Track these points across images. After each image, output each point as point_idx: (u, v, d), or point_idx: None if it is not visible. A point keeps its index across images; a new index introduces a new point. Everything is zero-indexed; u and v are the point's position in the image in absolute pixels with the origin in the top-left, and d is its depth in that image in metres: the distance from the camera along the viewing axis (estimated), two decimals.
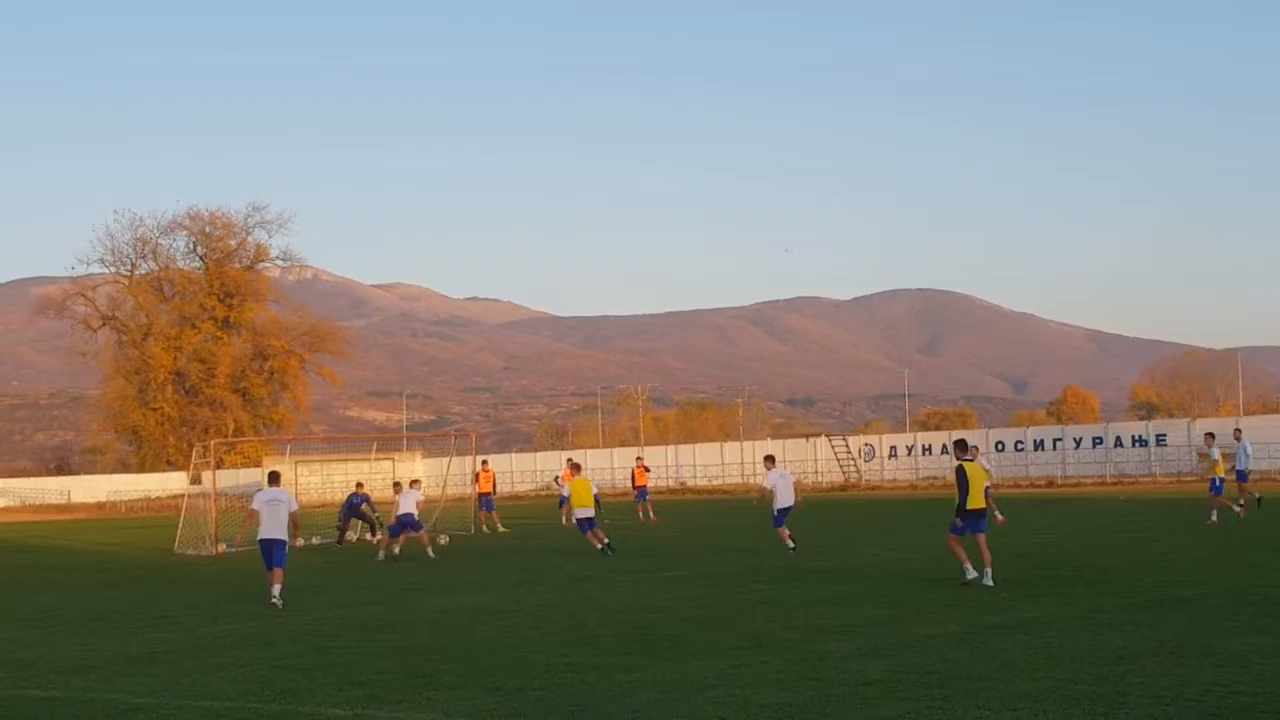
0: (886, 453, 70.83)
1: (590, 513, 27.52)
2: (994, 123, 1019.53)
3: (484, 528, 37.68)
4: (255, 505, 20.61)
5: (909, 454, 69.74)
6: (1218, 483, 29.24)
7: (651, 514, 40.17)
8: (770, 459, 27.05)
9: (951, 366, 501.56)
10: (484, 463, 40.07)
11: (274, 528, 20.27)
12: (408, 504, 29.42)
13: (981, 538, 18.56)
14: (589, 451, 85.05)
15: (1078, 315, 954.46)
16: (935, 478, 63.72)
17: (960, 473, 18.72)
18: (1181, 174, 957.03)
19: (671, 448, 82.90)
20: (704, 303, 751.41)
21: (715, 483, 71.36)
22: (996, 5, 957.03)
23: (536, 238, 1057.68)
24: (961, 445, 20.01)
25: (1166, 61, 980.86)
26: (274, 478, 21.49)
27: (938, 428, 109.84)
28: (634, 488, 41.81)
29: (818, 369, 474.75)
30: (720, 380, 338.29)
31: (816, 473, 68.83)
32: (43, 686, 13.09)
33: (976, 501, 18.60)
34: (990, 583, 17.92)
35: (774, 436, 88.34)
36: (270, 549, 20.22)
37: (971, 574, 18.39)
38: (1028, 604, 16.26)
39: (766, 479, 25.92)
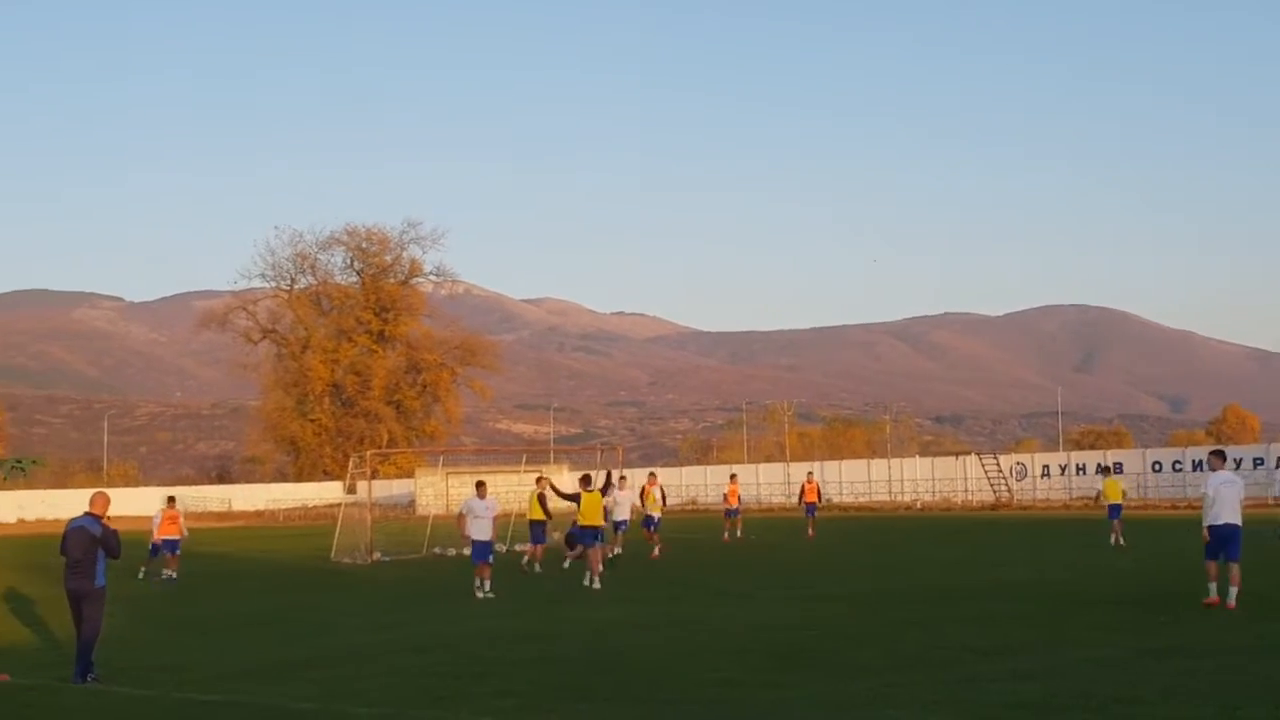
0: (1039, 472, 69.34)
1: (596, 528, 26.09)
2: (1153, 135, 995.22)
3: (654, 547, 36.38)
4: (465, 511, 23.62)
5: (1062, 473, 68.17)
6: None
7: (741, 529, 39.58)
8: (1220, 455, 19.48)
9: (1106, 384, 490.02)
10: (651, 474, 39.31)
11: (484, 530, 23.13)
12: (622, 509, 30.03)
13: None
14: (734, 466, 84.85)
15: (1239, 333, 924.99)
16: (1089, 497, 62.25)
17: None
18: None
19: (817, 464, 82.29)
20: (851, 318, 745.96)
21: (862, 499, 70.65)
22: (1171, 11, 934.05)
23: (683, 253, 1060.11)
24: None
25: None
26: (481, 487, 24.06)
27: (1092, 446, 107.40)
28: (804, 502, 41.31)
29: (967, 386, 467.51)
30: (867, 396, 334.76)
31: (967, 491, 67.75)
32: (203, 690, 13.47)
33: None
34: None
35: (922, 454, 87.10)
36: (481, 549, 23.03)
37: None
38: (1186, 629, 15.84)
39: (1207, 482, 18.57)
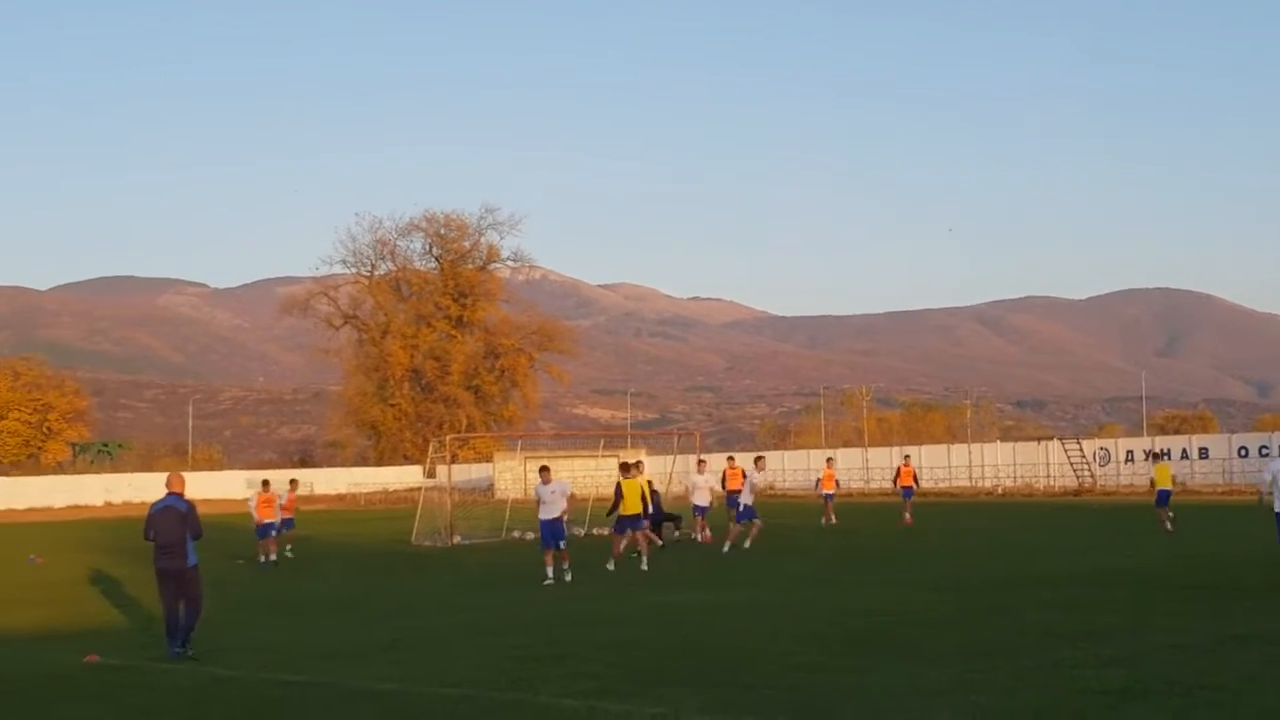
0: (1122, 457, 68.37)
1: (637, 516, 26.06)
2: (1240, 117, 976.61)
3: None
4: (538, 497, 23.41)
5: (1146, 459, 67.17)
6: None
7: (834, 518, 39.13)
8: None
9: (1191, 369, 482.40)
10: (730, 459, 38.81)
11: (550, 514, 22.88)
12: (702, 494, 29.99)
13: None
14: (810, 452, 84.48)
15: None
16: (1174, 483, 61.37)
17: None
18: None
19: (896, 449, 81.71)
20: (930, 302, 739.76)
21: (941, 485, 70.05)
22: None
23: (760, 238, 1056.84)
24: None
25: None
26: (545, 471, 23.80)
27: (1176, 431, 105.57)
28: (900, 486, 40.73)
29: (1049, 370, 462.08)
30: (946, 381, 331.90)
31: (1049, 477, 66.97)
32: (290, 670, 13.65)
33: None
34: None
35: (1003, 439, 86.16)
36: (548, 533, 22.77)
37: None
38: (1271, 615, 15.57)
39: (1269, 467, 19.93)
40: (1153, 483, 34.44)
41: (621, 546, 25.80)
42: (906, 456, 45.20)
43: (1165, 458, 42.85)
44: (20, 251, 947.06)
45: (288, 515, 33.15)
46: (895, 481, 41.09)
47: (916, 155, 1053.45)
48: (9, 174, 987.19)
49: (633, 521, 25.47)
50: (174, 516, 15.05)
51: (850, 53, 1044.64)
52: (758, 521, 28.73)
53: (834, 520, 38.45)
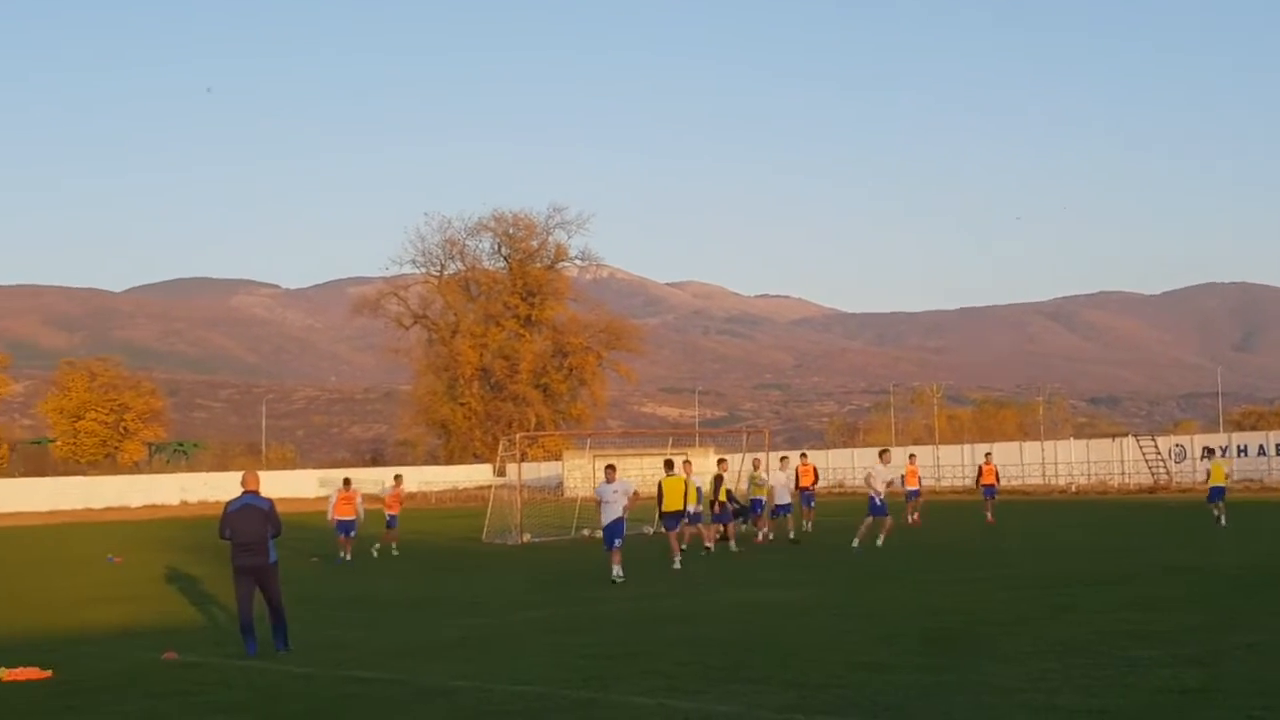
0: (1199, 454, 67.42)
1: (677, 513, 26.29)
2: None
3: (805, 524, 35.17)
4: (600, 496, 23.30)
5: (1223, 455, 66.20)
6: None
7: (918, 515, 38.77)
8: None
9: (1269, 364, 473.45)
10: (803, 456, 38.60)
11: (614, 514, 22.73)
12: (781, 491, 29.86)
13: None
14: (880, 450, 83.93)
15: None
16: (1251, 480, 60.40)
17: None
18: None
19: (968, 447, 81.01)
20: (1001, 298, 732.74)
21: (1014, 483, 69.39)
22: None
23: (828, 235, 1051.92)
24: None
25: None
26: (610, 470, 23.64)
27: (1253, 428, 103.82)
28: (981, 484, 40.13)
29: (1123, 366, 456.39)
30: (1018, 378, 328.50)
31: (1123, 474, 66.18)
32: (363, 668, 13.76)
33: None
34: None
35: (1077, 436, 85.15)
36: (611, 533, 22.64)
37: None
38: None
39: None
40: (1208, 477, 34.26)
41: (678, 543, 25.83)
42: (988, 454, 44.01)
43: (1219, 455, 42.24)
44: (95, 254, 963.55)
45: (393, 511, 33.29)
46: (977, 480, 40.48)
47: (988, 151, 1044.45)
48: (84, 178, 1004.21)
49: (673, 518, 25.74)
50: (255, 514, 15.23)
51: (917, 51, 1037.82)
52: (888, 519, 28.07)
53: (917, 519, 37.52)
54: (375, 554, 32.24)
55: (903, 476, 39.45)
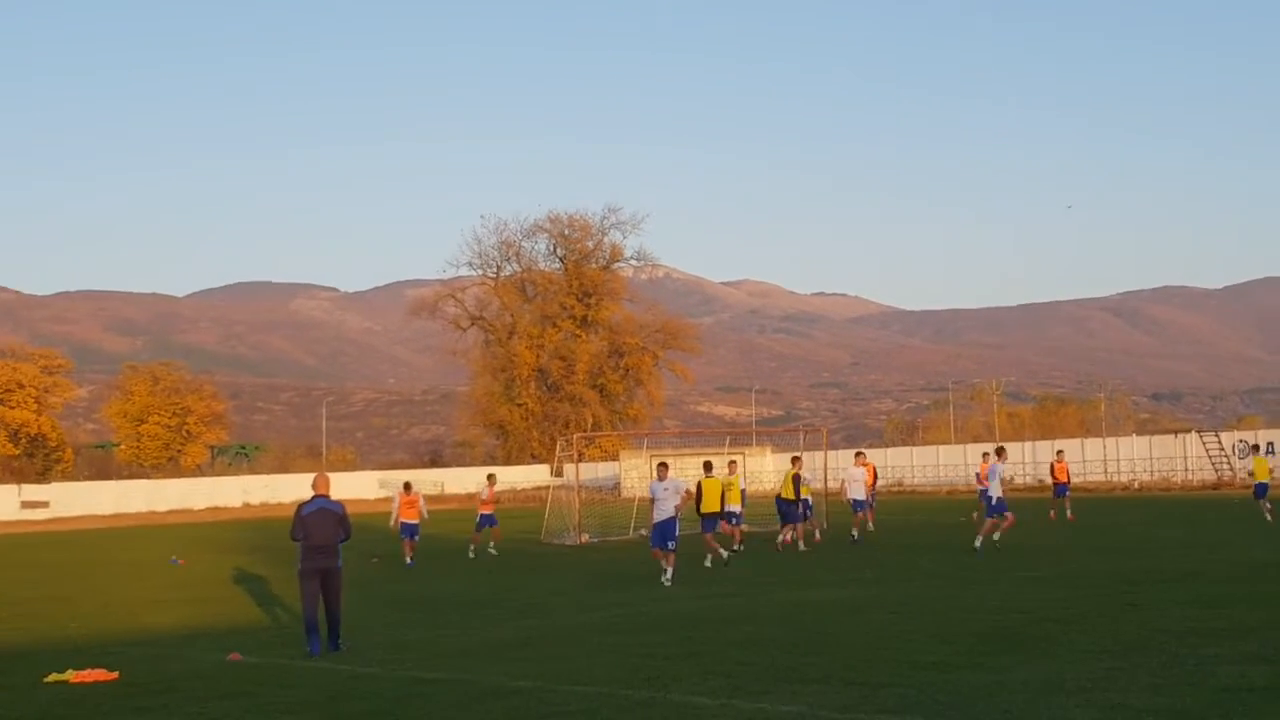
0: (1264, 449, 66.50)
1: (715, 514, 26.32)
2: None
3: (868, 524, 34.43)
4: (652, 494, 22.83)
5: (1245, 453, 65.21)
6: None
7: (1069, 512, 37.53)
8: None
9: None
10: (858, 455, 37.93)
11: (665, 513, 22.33)
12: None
13: None
14: (940, 448, 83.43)
15: None
16: None
17: None
18: None
19: (1029, 444, 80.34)
20: (1061, 294, 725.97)
21: (1076, 480, 68.68)
22: None
23: (884, 231, 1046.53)
24: None
25: None
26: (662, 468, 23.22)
27: None
28: (1054, 483, 39.52)
29: (1185, 361, 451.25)
30: (1079, 374, 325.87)
31: (1186, 470, 65.36)
32: (426, 668, 13.86)
33: None
34: None
35: (1139, 432, 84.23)
36: (661, 533, 22.26)
37: None
38: None
39: None
40: (1251, 474, 33.78)
41: (715, 543, 25.87)
42: (1059, 452, 43.03)
43: (1262, 451, 41.49)
44: (158, 259, 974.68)
45: (488, 511, 33.40)
46: (1052, 477, 39.61)
47: (1046, 145, 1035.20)
48: (146, 186, 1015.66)
49: (710, 520, 25.86)
50: (329, 518, 15.41)
51: (976, 47, 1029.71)
52: (1009, 515, 27.36)
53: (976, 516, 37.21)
54: (493, 552, 32.29)
55: (978, 475, 38.95)
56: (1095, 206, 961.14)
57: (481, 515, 33.38)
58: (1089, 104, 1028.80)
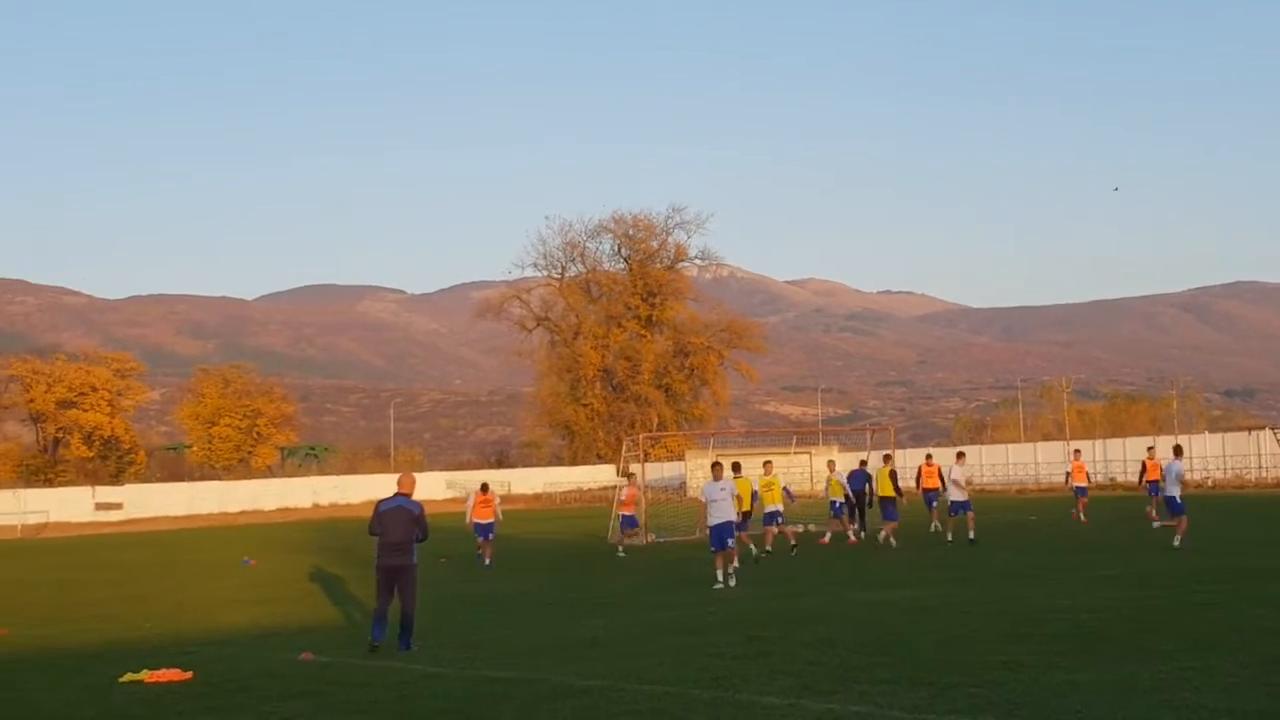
0: None
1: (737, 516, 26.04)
2: None
3: (938, 524, 33.82)
4: (705, 496, 22.26)
5: None
6: None
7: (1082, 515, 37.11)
8: None
9: None
10: (928, 457, 37.21)
11: (722, 513, 21.85)
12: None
13: None
14: (1009, 446, 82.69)
15: None
16: None
17: None
18: None
19: (1099, 442, 79.44)
20: (1131, 290, 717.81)
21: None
22: None
23: (951, 228, 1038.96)
24: None
25: None
26: (717, 469, 22.85)
27: None
28: (1145, 481, 38.27)
29: (1258, 358, 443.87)
30: (1150, 371, 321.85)
31: (1260, 468, 64.36)
32: (496, 667, 13.92)
33: None
34: None
35: (1211, 430, 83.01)
36: (719, 535, 21.80)
37: None
38: None
39: None
40: None
41: (757, 540, 25.96)
42: (1150, 448, 40.87)
43: None
44: (228, 263, 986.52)
45: (629, 511, 33.34)
46: (1141, 478, 38.48)
47: (1115, 139, 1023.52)
48: (216, 190, 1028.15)
49: (740, 519, 25.69)
50: (405, 516, 15.60)
51: (1041, 45, 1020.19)
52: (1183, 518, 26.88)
53: (1083, 519, 36.22)
54: (621, 554, 32.13)
55: (1068, 473, 38.38)
56: (1165, 202, 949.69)
57: (623, 516, 33.32)
58: (1158, 99, 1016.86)
